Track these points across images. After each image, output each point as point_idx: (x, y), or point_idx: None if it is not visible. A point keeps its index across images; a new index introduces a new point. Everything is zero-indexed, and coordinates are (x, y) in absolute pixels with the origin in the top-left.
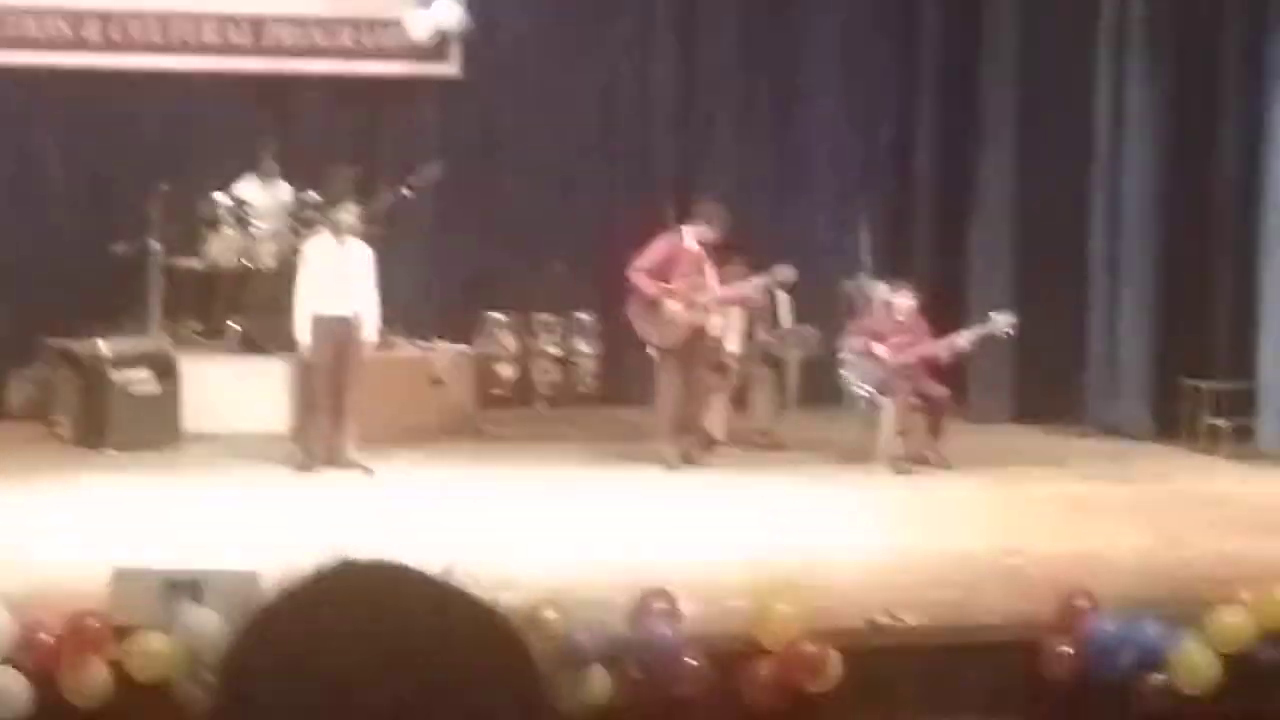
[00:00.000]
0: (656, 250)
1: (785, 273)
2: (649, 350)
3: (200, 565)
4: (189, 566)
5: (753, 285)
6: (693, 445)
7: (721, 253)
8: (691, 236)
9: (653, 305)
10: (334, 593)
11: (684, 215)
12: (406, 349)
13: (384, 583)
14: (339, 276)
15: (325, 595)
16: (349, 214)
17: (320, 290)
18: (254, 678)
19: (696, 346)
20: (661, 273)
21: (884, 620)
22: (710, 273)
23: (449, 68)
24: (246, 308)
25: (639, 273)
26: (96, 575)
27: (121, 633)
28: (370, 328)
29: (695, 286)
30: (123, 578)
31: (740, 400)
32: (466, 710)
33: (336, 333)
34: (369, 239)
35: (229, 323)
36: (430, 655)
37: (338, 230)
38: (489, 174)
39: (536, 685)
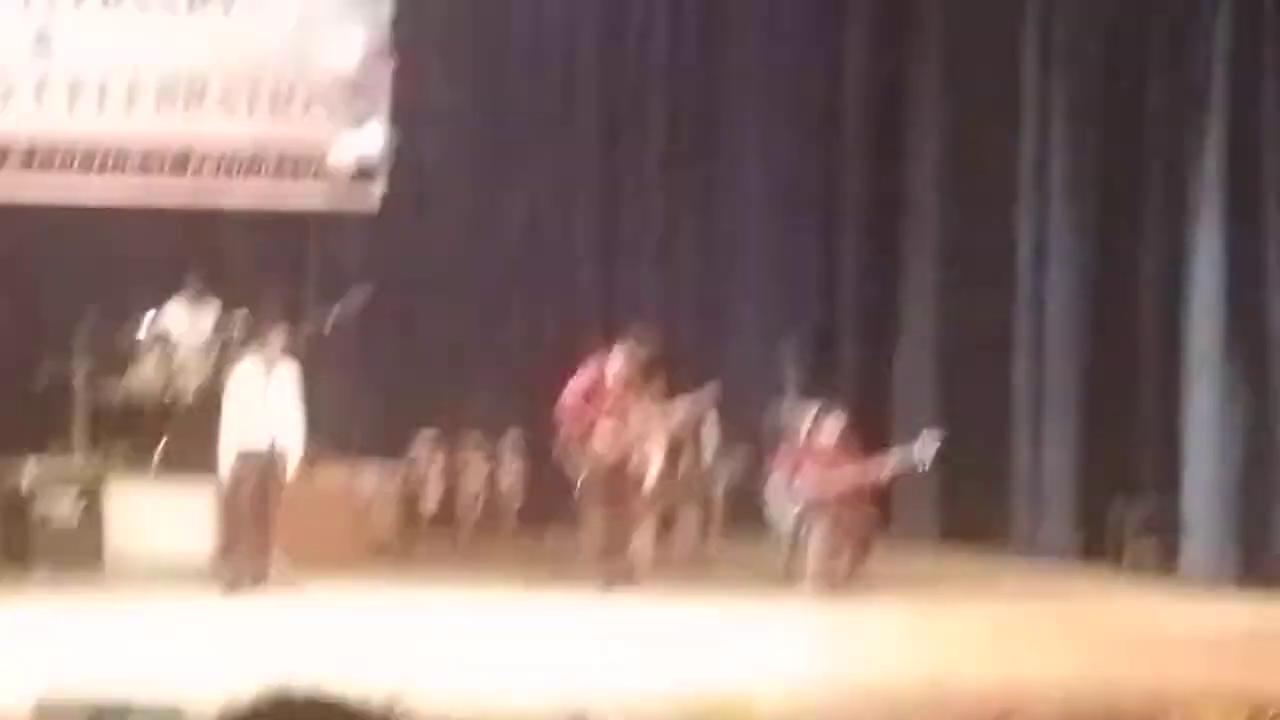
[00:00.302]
0: (583, 379)
1: (712, 390)
2: (576, 482)
3: (127, 693)
4: (116, 695)
5: (680, 407)
6: (618, 573)
7: (648, 373)
8: (618, 359)
9: (580, 441)
10: None
11: (610, 338)
12: (332, 472)
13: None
14: (265, 403)
15: None
16: (279, 334)
17: (245, 421)
18: None
19: (622, 476)
20: (589, 399)
21: None
22: (638, 396)
23: (372, 200)
24: (170, 434)
25: (566, 409)
26: (19, 703)
27: None
28: (292, 461)
29: (622, 414)
30: (46, 707)
31: (666, 526)
32: None
33: (259, 465)
34: (297, 359)
35: (154, 447)
36: None
37: (266, 351)
38: (415, 298)
39: None
